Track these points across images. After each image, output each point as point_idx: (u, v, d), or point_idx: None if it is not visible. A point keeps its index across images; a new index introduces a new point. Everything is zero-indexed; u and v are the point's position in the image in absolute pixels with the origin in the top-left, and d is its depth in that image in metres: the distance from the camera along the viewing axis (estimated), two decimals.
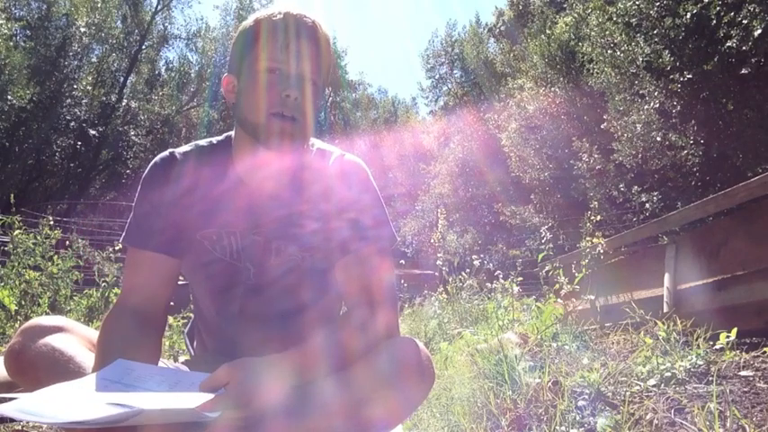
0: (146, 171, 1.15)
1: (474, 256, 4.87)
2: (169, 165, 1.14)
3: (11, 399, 0.79)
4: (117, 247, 4.51)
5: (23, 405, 0.78)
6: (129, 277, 1.13)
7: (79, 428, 0.77)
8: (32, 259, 4.23)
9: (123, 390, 0.86)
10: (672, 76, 6.94)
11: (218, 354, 1.17)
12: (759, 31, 5.75)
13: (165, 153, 1.17)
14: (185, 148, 1.18)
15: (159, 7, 18.70)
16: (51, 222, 4.67)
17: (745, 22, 5.94)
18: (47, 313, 3.76)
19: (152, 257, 1.11)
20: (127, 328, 1.01)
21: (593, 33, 8.74)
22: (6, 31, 14.04)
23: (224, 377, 0.88)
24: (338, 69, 25.25)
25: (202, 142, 1.20)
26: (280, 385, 0.91)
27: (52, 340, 0.95)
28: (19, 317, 3.62)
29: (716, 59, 6.43)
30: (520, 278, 4.12)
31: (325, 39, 1.09)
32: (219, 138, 1.20)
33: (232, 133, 1.17)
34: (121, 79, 18.23)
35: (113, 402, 0.80)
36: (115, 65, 18.33)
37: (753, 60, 6.10)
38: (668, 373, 1.85)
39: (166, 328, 1.86)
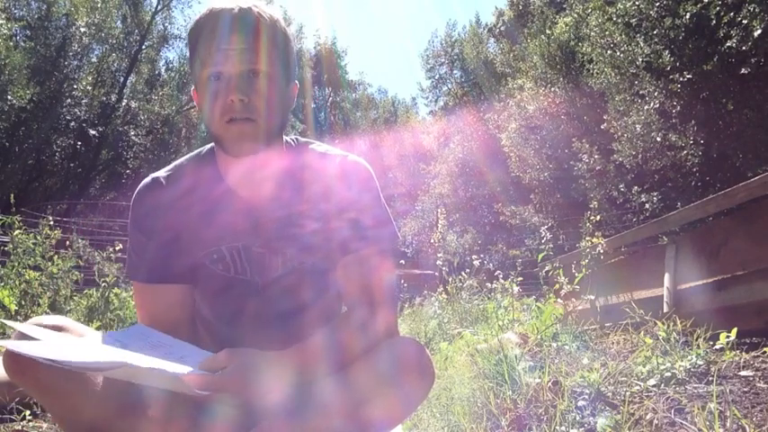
0: (132, 200, 1.13)
1: (474, 256, 4.87)
2: (155, 190, 1.11)
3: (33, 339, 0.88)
4: (117, 247, 4.50)
5: (29, 346, 0.85)
6: (147, 310, 1.11)
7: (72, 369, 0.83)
8: (32, 259, 4.22)
9: (126, 348, 0.89)
10: (672, 77, 6.94)
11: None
12: (759, 32, 5.75)
13: (148, 180, 1.14)
14: (167, 170, 1.15)
15: (159, 7, 18.69)
16: (51, 222, 4.66)
17: (744, 22, 5.94)
18: (47, 313, 3.76)
19: (163, 289, 1.10)
20: None
21: (592, 33, 8.74)
22: (6, 31, 14.03)
23: (224, 360, 0.89)
24: (338, 69, 25.24)
25: (184, 160, 1.17)
26: (277, 381, 0.92)
27: None
28: (19, 317, 3.61)
29: (716, 59, 6.43)
30: (520, 278, 4.12)
31: (264, 23, 0.99)
32: (202, 151, 1.17)
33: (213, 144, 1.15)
34: (121, 79, 18.22)
35: (107, 355, 0.84)
36: (115, 65, 18.32)
37: (753, 60, 6.10)
38: (668, 373, 1.84)
39: None
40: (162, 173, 1.14)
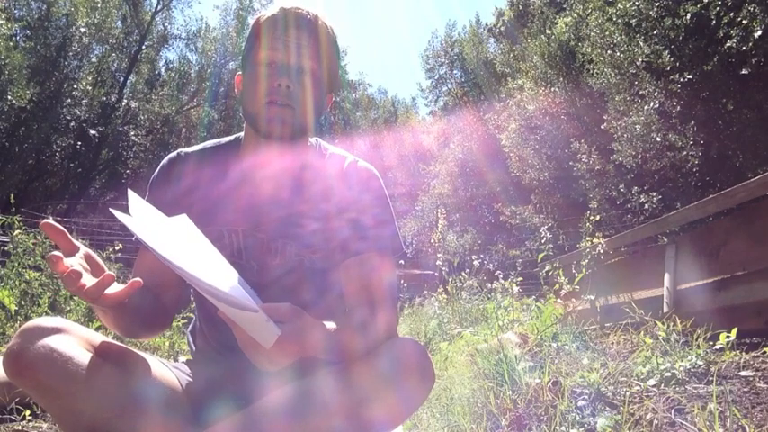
0: (155, 172, 1.19)
1: (474, 256, 4.87)
2: (174, 164, 1.18)
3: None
4: (117, 247, 4.50)
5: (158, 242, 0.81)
6: (142, 267, 1.14)
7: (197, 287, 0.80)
8: (32, 259, 4.22)
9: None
10: (672, 77, 6.95)
11: (222, 348, 1.17)
12: (759, 33, 5.75)
13: (173, 153, 1.21)
14: (194, 148, 1.22)
15: (159, 7, 18.70)
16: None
17: (744, 22, 5.94)
18: (47, 313, 3.76)
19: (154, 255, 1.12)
20: (142, 295, 1.03)
21: (592, 34, 8.75)
22: (6, 31, 14.04)
23: (288, 314, 0.89)
24: (338, 69, 25.23)
25: (211, 143, 1.23)
26: (320, 353, 0.93)
27: (51, 341, 0.95)
28: (19, 317, 3.61)
29: (716, 60, 6.44)
30: (520, 278, 4.12)
31: (323, 31, 1.09)
32: (228, 138, 1.23)
33: (241, 134, 1.20)
34: (121, 79, 18.23)
35: (235, 289, 0.82)
36: (115, 65, 18.34)
37: (753, 61, 6.10)
38: (668, 373, 1.84)
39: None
40: (189, 149, 1.21)
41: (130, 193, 0.90)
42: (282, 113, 1.05)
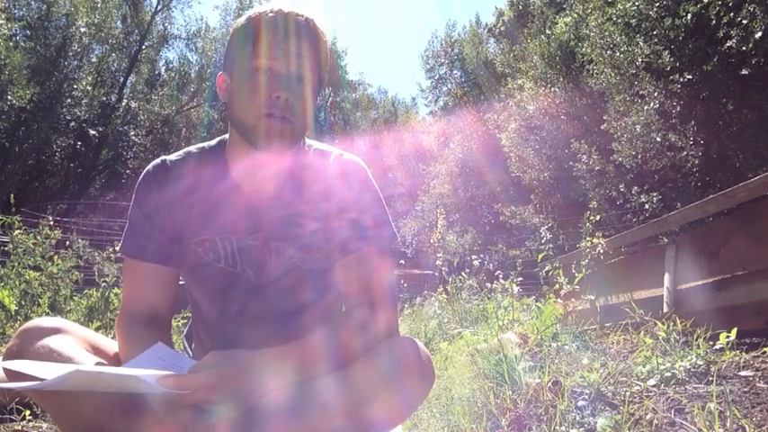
0: (140, 178, 1.15)
1: (474, 256, 4.87)
2: (160, 172, 1.13)
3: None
4: (117, 247, 4.51)
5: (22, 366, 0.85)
6: (129, 286, 1.13)
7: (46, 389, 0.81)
8: (32, 259, 4.22)
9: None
10: (672, 77, 6.95)
11: None
12: (759, 34, 5.75)
13: (157, 161, 1.16)
14: (177, 155, 1.17)
15: (159, 7, 18.71)
16: (51, 222, 4.66)
17: (744, 22, 5.94)
18: (47, 313, 3.76)
19: (148, 267, 1.11)
20: (142, 336, 1.05)
21: (592, 34, 8.75)
22: (6, 31, 14.03)
23: (207, 361, 0.88)
24: (338, 69, 25.26)
25: (193, 148, 1.18)
26: (269, 380, 0.91)
27: (50, 342, 0.95)
28: (19, 317, 3.61)
29: (716, 60, 6.44)
30: (520, 278, 4.11)
31: (319, 35, 1.06)
32: (212, 143, 1.18)
33: (226, 136, 1.16)
34: (121, 79, 18.24)
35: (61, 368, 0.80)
36: (115, 65, 18.35)
37: (753, 61, 6.10)
38: (668, 373, 1.84)
39: None
40: (172, 156, 1.16)
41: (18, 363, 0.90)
42: (281, 128, 1.01)
